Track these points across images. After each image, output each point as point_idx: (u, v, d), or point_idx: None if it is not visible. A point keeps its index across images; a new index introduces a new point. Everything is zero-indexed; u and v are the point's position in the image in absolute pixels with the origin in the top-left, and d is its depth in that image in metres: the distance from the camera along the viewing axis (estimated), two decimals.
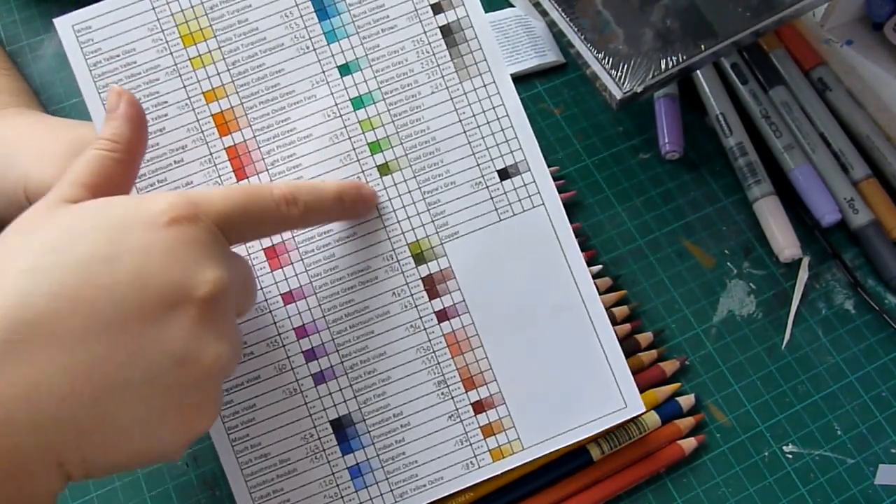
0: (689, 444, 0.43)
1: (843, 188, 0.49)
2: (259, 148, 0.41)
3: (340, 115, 0.41)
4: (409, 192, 0.41)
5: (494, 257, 0.41)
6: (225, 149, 0.41)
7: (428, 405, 0.40)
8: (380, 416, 0.40)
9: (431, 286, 0.41)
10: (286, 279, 0.40)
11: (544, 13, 0.49)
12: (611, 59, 0.46)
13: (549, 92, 0.54)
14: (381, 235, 0.41)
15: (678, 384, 0.44)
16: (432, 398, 0.40)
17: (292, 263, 0.40)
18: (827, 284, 0.48)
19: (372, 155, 0.41)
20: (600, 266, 0.48)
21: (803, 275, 0.48)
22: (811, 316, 0.47)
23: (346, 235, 0.41)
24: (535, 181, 0.41)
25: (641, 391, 0.43)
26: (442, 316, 0.41)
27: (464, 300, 0.41)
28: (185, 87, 0.40)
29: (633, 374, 0.44)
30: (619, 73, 0.46)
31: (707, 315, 0.47)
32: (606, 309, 0.45)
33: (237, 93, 0.41)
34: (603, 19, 0.47)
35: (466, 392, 0.41)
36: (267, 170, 0.41)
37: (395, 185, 0.41)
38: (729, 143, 0.51)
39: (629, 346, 0.45)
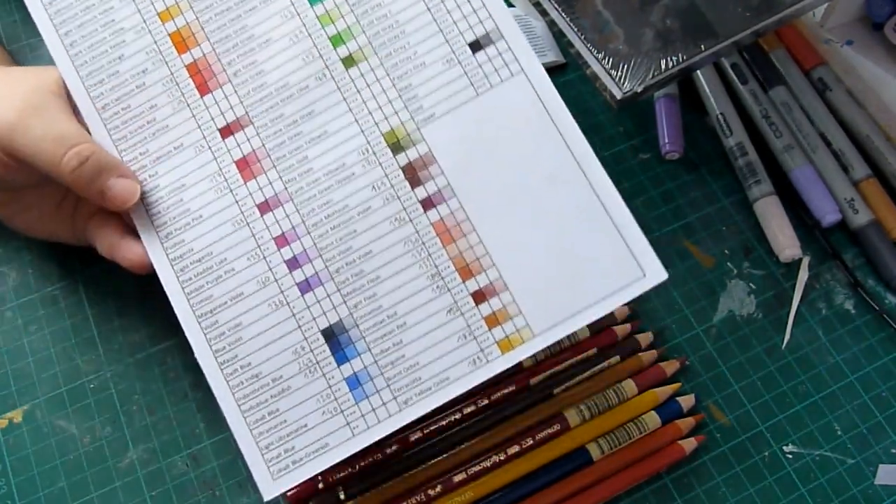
0: (690, 444, 0.43)
1: (843, 188, 0.49)
2: (220, 60, 0.40)
3: (297, 14, 0.40)
4: (378, 80, 0.40)
5: (477, 135, 0.39)
6: (185, 66, 0.41)
7: (423, 301, 0.38)
8: (373, 319, 0.38)
9: (412, 174, 0.39)
10: (260, 188, 0.40)
11: (544, 13, 0.49)
12: (611, 59, 0.46)
13: None
14: (353, 130, 0.39)
15: (678, 384, 0.44)
16: (427, 293, 0.38)
17: (265, 172, 0.40)
18: (827, 284, 0.48)
19: (335, 48, 0.40)
20: None
21: (803, 275, 0.48)
22: (811, 316, 0.47)
23: (318, 135, 0.40)
24: (510, 49, 0.39)
25: (641, 391, 0.44)
26: (427, 204, 0.39)
27: (449, 184, 0.39)
28: (139, 10, 0.40)
29: (633, 374, 0.44)
30: (619, 73, 0.46)
31: (707, 315, 0.47)
32: None
33: (192, 8, 0.40)
34: (603, 19, 0.47)
35: (464, 282, 0.38)
36: (230, 81, 0.40)
37: (363, 75, 0.40)
38: (729, 143, 0.51)
39: (629, 347, 0.45)
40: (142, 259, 0.41)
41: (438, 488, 0.41)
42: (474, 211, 0.38)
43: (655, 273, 0.37)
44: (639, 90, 0.45)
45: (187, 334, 0.39)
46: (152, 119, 0.41)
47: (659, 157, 0.52)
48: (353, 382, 0.38)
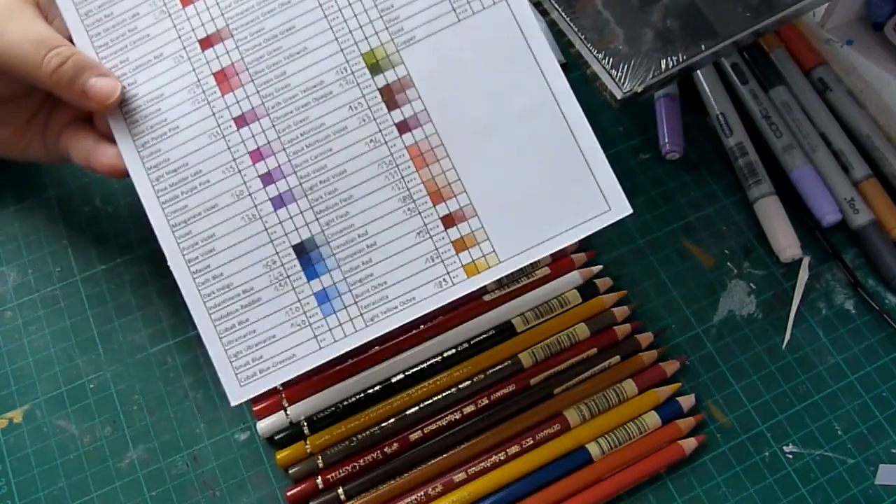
0: (690, 444, 0.43)
1: (843, 188, 0.49)
2: None
3: None
4: None
5: (456, 61, 0.39)
6: None
7: (394, 223, 0.39)
8: (344, 237, 0.39)
9: (390, 97, 0.39)
10: (237, 102, 0.40)
11: (544, 13, 0.49)
12: (611, 59, 0.46)
13: None
14: (332, 48, 0.40)
15: (678, 384, 0.44)
16: (398, 215, 0.39)
17: (243, 85, 0.40)
18: (827, 284, 0.48)
19: None
20: (600, 266, 0.48)
21: (803, 275, 0.48)
22: (811, 316, 0.47)
23: (297, 52, 0.40)
24: None
25: (641, 391, 0.44)
26: (403, 127, 0.39)
27: (425, 109, 0.39)
28: None
29: (633, 374, 0.44)
30: (619, 73, 0.46)
31: (707, 315, 0.47)
32: (606, 309, 0.46)
33: None
34: (603, 19, 0.47)
35: (434, 206, 0.39)
36: None
37: None
38: (729, 143, 0.51)
39: (629, 347, 0.45)
40: (117, 164, 0.41)
41: (438, 488, 0.41)
42: (449, 137, 0.39)
43: (620, 207, 0.39)
44: (639, 90, 0.45)
45: (161, 243, 0.40)
46: (134, 28, 0.41)
47: (659, 157, 0.52)
48: (322, 297, 0.39)
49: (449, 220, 0.39)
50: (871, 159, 0.51)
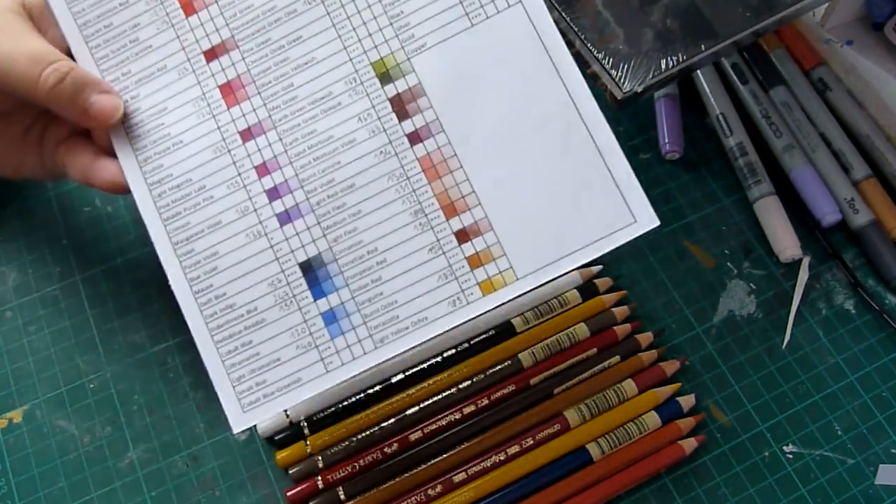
0: (690, 444, 0.43)
1: (843, 188, 0.49)
2: None
3: None
4: (369, 6, 0.39)
5: (469, 68, 0.38)
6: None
7: (405, 238, 0.37)
8: (352, 254, 0.37)
9: (400, 106, 0.38)
10: (244, 115, 0.39)
11: None
12: (611, 59, 0.46)
13: None
14: (341, 57, 0.39)
15: (678, 384, 0.44)
16: (409, 230, 0.37)
17: (249, 98, 0.39)
18: (827, 284, 0.48)
19: None
20: (601, 266, 0.48)
21: (803, 275, 0.48)
22: (811, 316, 0.47)
23: (305, 62, 0.39)
24: None
25: (641, 391, 0.43)
26: (414, 138, 0.38)
27: (437, 118, 0.38)
28: None
29: (633, 374, 0.44)
30: (619, 73, 0.46)
31: (707, 315, 0.47)
32: (606, 309, 0.46)
33: None
34: (603, 19, 0.47)
35: (447, 220, 0.37)
36: (216, 1, 0.40)
37: (353, 0, 0.39)
38: (729, 143, 0.51)
39: (629, 347, 0.45)
40: (117, 179, 0.40)
41: (438, 488, 0.41)
42: (462, 147, 0.38)
43: (646, 219, 0.37)
44: (639, 90, 0.45)
45: (162, 261, 0.39)
46: (135, 39, 0.40)
47: (659, 157, 0.52)
48: (329, 317, 0.37)
49: (463, 235, 0.37)
50: (871, 159, 0.51)
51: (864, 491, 0.42)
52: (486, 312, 0.37)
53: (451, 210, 0.38)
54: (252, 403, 0.37)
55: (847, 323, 0.47)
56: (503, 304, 0.37)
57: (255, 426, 0.44)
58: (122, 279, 0.48)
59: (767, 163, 0.50)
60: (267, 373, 0.37)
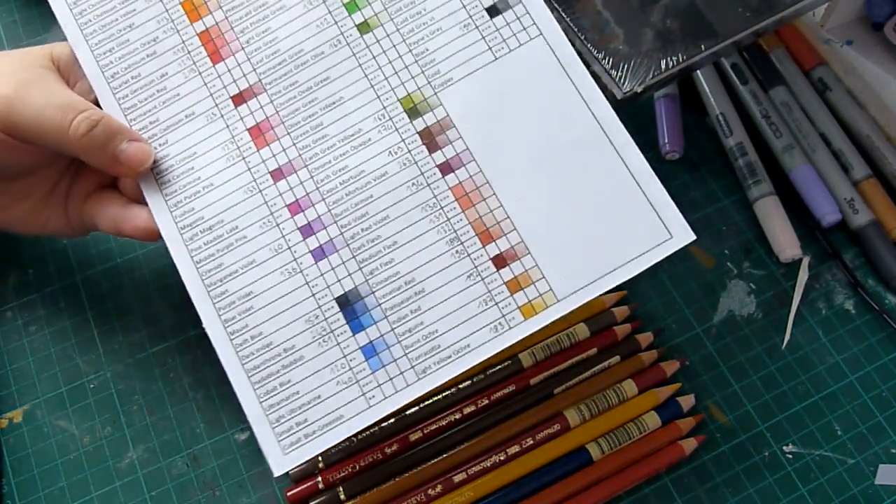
0: (690, 444, 0.43)
1: (843, 188, 0.49)
2: (232, 28, 0.40)
3: None
4: (394, 45, 0.39)
5: (496, 98, 0.38)
6: (197, 34, 0.40)
7: (442, 267, 0.37)
8: (389, 286, 0.37)
9: (430, 139, 0.39)
10: (274, 156, 0.39)
11: None
12: (611, 59, 0.46)
13: None
14: (369, 95, 0.39)
15: (678, 384, 0.44)
16: (446, 258, 0.37)
17: (279, 139, 0.39)
18: (827, 284, 0.48)
19: (349, 15, 0.40)
20: None
21: (803, 275, 0.48)
22: (811, 316, 0.47)
23: (333, 101, 0.39)
24: (528, 13, 0.39)
25: (641, 391, 0.44)
26: (445, 168, 0.38)
27: (467, 148, 0.38)
28: None
29: (633, 374, 0.44)
30: (619, 73, 0.46)
31: (707, 315, 0.47)
32: (606, 309, 0.46)
33: None
34: (603, 19, 0.47)
35: (484, 246, 0.37)
36: (243, 48, 0.40)
37: (378, 41, 0.39)
38: (729, 143, 0.51)
39: (629, 347, 0.45)
40: (149, 226, 0.40)
41: (438, 488, 0.41)
42: (493, 174, 0.38)
43: (682, 234, 0.37)
44: (639, 90, 0.45)
45: (196, 304, 0.38)
46: (163, 88, 0.41)
47: (659, 157, 0.52)
48: (369, 351, 0.37)
49: (500, 261, 0.37)
50: (871, 159, 0.51)
51: (864, 491, 0.42)
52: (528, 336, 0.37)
53: (486, 236, 0.38)
54: (293, 444, 0.36)
55: (847, 323, 0.47)
56: (545, 326, 0.37)
57: None
58: (122, 279, 0.48)
59: (767, 163, 0.50)
60: (307, 411, 0.36)
